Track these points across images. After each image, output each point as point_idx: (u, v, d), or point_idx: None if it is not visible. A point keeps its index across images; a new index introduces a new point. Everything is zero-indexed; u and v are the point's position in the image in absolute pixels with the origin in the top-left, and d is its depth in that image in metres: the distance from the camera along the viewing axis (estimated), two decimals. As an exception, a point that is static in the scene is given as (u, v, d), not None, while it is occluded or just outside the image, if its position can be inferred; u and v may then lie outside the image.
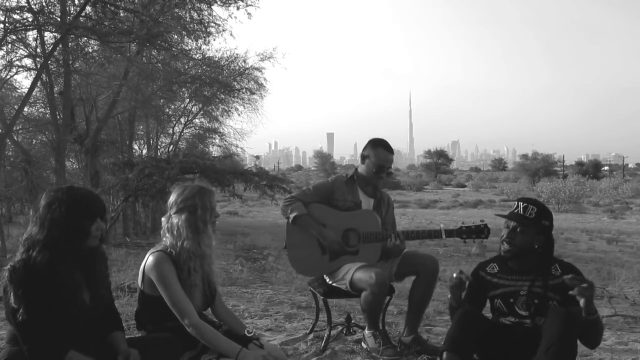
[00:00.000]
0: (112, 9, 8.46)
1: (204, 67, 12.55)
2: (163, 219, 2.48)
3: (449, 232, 3.40)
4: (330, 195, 3.53)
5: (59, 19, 8.31)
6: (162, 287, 2.34)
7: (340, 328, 3.77)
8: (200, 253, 2.42)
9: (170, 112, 15.01)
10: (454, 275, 2.68)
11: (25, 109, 10.51)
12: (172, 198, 2.47)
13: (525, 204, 2.69)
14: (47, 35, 8.95)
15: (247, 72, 14.04)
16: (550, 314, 2.46)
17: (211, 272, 2.53)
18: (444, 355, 2.50)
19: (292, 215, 3.44)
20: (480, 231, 3.39)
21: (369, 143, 3.59)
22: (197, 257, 2.41)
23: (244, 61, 13.81)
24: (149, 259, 2.40)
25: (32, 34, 9.05)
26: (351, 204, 3.52)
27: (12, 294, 1.97)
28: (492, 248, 10.67)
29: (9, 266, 2.01)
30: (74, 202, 2.08)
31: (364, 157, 3.57)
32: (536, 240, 2.68)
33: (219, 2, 9.74)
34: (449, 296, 2.73)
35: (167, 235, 2.44)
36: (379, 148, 3.53)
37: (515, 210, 2.70)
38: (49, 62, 8.91)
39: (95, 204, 2.14)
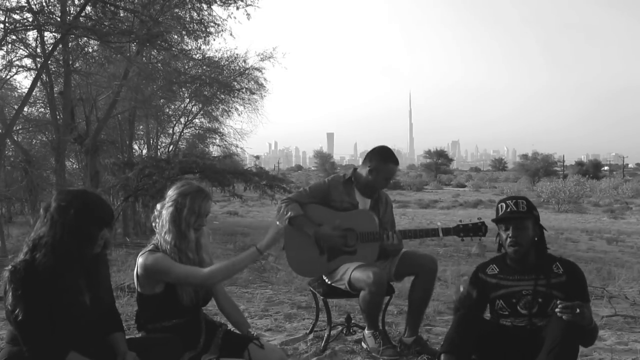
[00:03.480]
0: (112, 9, 8.45)
1: (204, 67, 12.55)
2: (158, 205, 2.49)
3: (446, 230, 3.40)
4: (327, 196, 3.52)
5: (59, 19, 8.31)
6: (164, 273, 2.34)
7: (340, 328, 3.77)
8: (184, 249, 2.41)
9: (170, 112, 15.01)
10: (461, 289, 2.67)
11: (25, 109, 10.52)
12: (171, 190, 2.48)
13: (514, 201, 2.69)
14: (47, 35, 8.97)
15: (247, 72, 14.03)
16: (553, 317, 2.46)
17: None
18: (442, 357, 2.50)
19: (288, 216, 3.45)
20: (477, 229, 3.38)
21: (377, 157, 3.50)
22: (181, 252, 2.40)
23: (244, 61, 13.82)
24: (139, 262, 2.40)
25: (32, 34, 9.07)
26: (348, 205, 3.51)
27: (11, 294, 1.96)
28: (492, 248, 10.63)
29: (10, 266, 2.01)
30: (87, 209, 2.07)
31: (372, 170, 3.49)
32: (535, 233, 2.68)
33: (218, 2, 9.75)
34: (454, 298, 2.72)
35: (157, 221, 2.46)
36: (389, 164, 3.49)
37: (508, 210, 2.68)
38: (49, 62, 8.92)
39: (107, 212, 2.14)
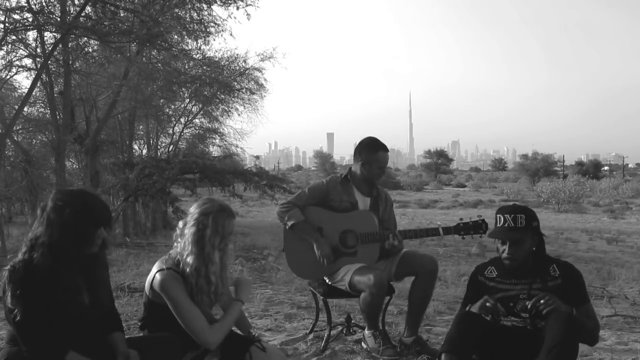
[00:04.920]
0: (112, 9, 8.45)
1: (204, 67, 12.54)
2: (180, 222, 2.42)
3: (446, 229, 3.40)
4: (326, 196, 3.52)
5: (59, 19, 8.30)
6: (173, 309, 2.29)
7: (340, 328, 3.77)
8: (205, 273, 2.32)
9: (170, 112, 15.00)
10: (487, 304, 2.58)
11: (25, 109, 10.51)
12: (193, 207, 2.40)
13: (512, 216, 2.62)
14: (47, 35, 8.96)
15: (247, 72, 14.03)
16: (552, 317, 2.46)
17: (220, 298, 2.44)
18: (442, 356, 2.50)
19: (289, 223, 3.45)
20: (478, 227, 3.38)
21: (366, 148, 3.52)
22: (200, 277, 2.32)
23: (244, 61, 13.82)
24: (156, 277, 2.31)
25: (32, 34, 9.07)
26: (347, 204, 3.51)
27: (9, 294, 1.96)
28: (491, 248, 10.66)
29: (9, 266, 2.00)
30: (84, 209, 2.06)
31: (364, 164, 3.51)
32: (534, 243, 2.68)
33: (218, 2, 9.75)
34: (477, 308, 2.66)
35: (179, 240, 2.38)
36: (379, 151, 3.50)
37: (506, 225, 2.63)
38: (49, 62, 8.91)
39: (104, 212, 2.13)
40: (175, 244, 2.40)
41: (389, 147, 3.62)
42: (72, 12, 8.61)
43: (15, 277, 1.97)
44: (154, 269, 2.37)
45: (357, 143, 3.61)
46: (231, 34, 12.22)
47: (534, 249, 2.69)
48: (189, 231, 2.33)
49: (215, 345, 2.30)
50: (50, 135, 11.10)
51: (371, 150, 3.51)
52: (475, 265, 2.93)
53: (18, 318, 1.95)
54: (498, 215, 2.68)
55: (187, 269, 2.30)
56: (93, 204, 2.11)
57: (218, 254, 2.33)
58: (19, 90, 12.18)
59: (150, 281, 2.36)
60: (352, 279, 3.32)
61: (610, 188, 40.27)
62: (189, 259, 2.30)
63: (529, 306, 2.48)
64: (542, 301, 2.45)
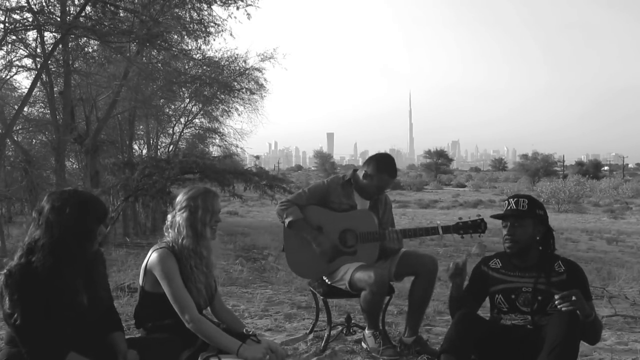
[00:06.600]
0: (112, 9, 8.45)
1: (204, 67, 12.54)
2: (169, 215, 2.56)
3: (446, 228, 3.41)
4: (326, 197, 3.51)
5: (59, 19, 8.31)
6: (165, 282, 2.38)
7: (340, 328, 3.77)
8: (199, 252, 2.48)
9: (170, 112, 15.01)
10: (451, 265, 2.77)
11: (25, 109, 10.51)
12: (179, 196, 2.55)
13: (515, 199, 2.73)
14: (47, 35, 8.97)
15: (247, 72, 14.03)
16: (554, 316, 2.46)
17: (210, 274, 2.57)
18: (442, 357, 2.50)
19: (287, 220, 3.44)
20: (477, 226, 3.39)
21: (375, 163, 3.47)
22: (197, 255, 2.47)
23: (244, 61, 13.82)
24: (152, 256, 2.43)
25: (32, 34, 9.07)
26: (346, 207, 3.50)
27: (7, 299, 1.95)
28: (491, 248, 10.67)
29: (5, 270, 1.99)
30: (83, 206, 2.07)
31: (366, 175, 3.47)
32: (537, 232, 2.70)
33: (218, 2, 9.75)
34: (449, 285, 2.79)
35: (170, 231, 2.50)
36: (383, 174, 3.45)
37: (508, 207, 2.73)
38: (49, 62, 8.91)
39: (102, 208, 2.15)
40: (166, 234, 2.52)
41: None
42: (72, 12, 8.62)
43: (12, 281, 1.96)
44: (149, 253, 2.47)
45: (375, 153, 3.60)
46: (231, 34, 12.20)
47: (539, 239, 2.71)
48: (181, 217, 2.48)
49: (195, 325, 2.35)
50: (50, 135, 11.11)
51: (378, 167, 3.46)
52: (474, 266, 2.94)
53: (18, 322, 1.94)
54: (504, 202, 2.79)
55: (185, 252, 2.45)
56: (90, 201, 2.12)
57: (209, 230, 2.51)
58: (19, 90, 12.20)
59: (145, 264, 2.44)
60: (352, 277, 3.32)
61: (610, 188, 40.31)
62: (186, 242, 2.45)
63: (556, 298, 2.38)
64: (573, 298, 2.35)
